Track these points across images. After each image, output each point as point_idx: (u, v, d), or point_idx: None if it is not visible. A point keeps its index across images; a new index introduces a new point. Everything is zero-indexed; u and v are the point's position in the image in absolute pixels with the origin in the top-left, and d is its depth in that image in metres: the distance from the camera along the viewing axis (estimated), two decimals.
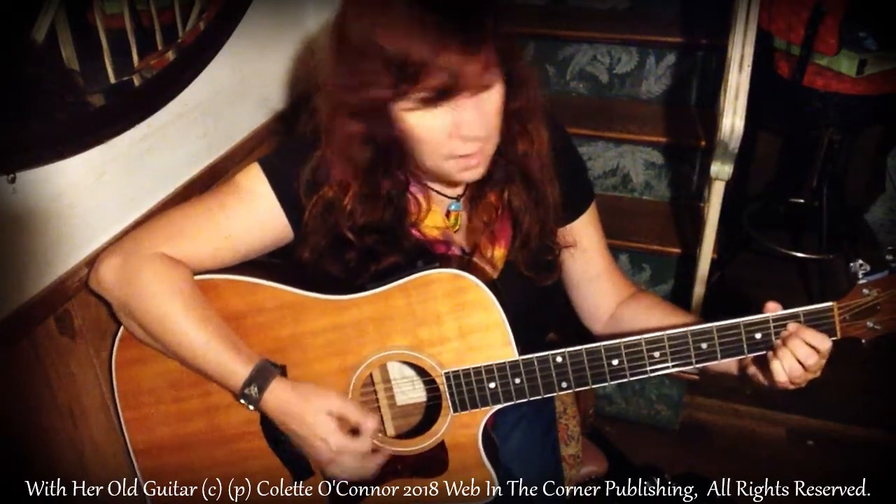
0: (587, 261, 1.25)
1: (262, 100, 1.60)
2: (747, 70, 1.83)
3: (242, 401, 1.08)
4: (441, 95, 0.93)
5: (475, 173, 1.04)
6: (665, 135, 2.31)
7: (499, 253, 1.16)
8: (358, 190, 1.07)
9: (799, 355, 1.01)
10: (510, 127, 1.07)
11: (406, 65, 0.90)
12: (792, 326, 1.02)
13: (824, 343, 1.01)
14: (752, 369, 1.10)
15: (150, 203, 1.28)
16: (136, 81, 1.19)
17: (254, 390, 1.07)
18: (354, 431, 1.08)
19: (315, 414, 1.07)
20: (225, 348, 1.08)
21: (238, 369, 1.07)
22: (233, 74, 1.46)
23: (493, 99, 0.98)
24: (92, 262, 1.13)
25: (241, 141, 1.52)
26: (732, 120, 1.82)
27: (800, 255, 2.74)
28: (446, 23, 0.89)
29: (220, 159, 1.45)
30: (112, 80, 1.15)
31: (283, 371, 1.12)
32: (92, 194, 1.16)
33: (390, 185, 1.09)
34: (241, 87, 1.50)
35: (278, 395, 1.07)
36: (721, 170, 1.88)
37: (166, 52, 1.25)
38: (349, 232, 1.09)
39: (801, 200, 2.83)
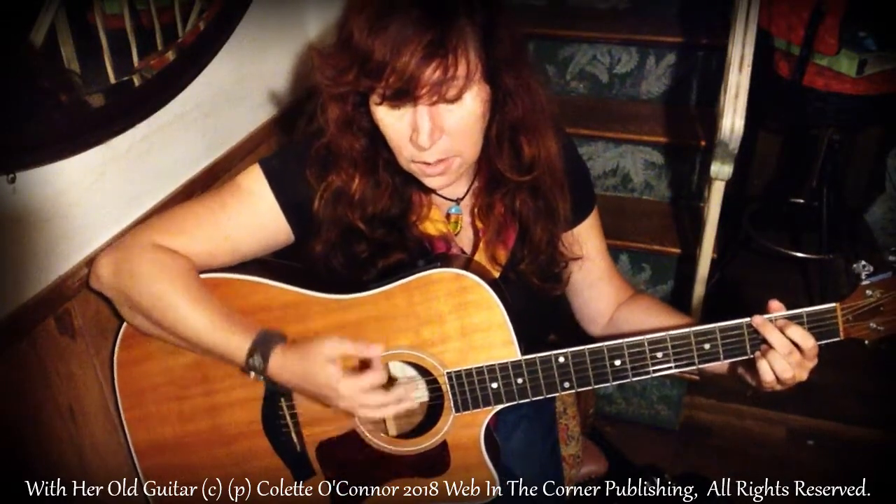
0: (588, 265, 1.25)
1: (262, 100, 1.60)
2: (747, 70, 1.83)
3: (251, 373, 1.07)
4: (398, 97, 0.94)
5: (439, 181, 1.04)
6: (665, 135, 2.31)
7: (501, 254, 1.16)
8: (362, 179, 1.08)
9: (781, 351, 1.01)
10: (514, 137, 1.07)
11: (368, 61, 0.93)
12: (779, 324, 1.02)
13: (807, 341, 1.01)
14: (741, 370, 1.10)
15: (150, 203, 1.28)
16: (136, 81, 1.19)
17: (258, 360, 1.06)
18: (364, 366, 1.06)
19: (315, 366, 1.03)
20: (225, 324, 1.07)
21: (240, 342, 1.07)
22: (233, 74, 1.46)
23: (462, 111, 0.97)
24: (92, 261, 1.13)
25: (241, 141, 1.52)
26: (732, 120, 1.82)
27: (800, 255, 2.74)
28: (410, 26, 0.91)
29: (220, 159, 1.45)
30: (112, 80, 1.15)
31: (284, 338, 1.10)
32: (92, 194, 1.15)
33: (390, 177, 1.09)
34: (241, 87, 1.50)
35: (281, 361, 1.06)
36: (721, 170, 1.88)
37: (166, 52, 1.25)
38: (360, 222, 1.09)
39: (801, 200, 2.83)
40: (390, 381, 1.19)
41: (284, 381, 1.07)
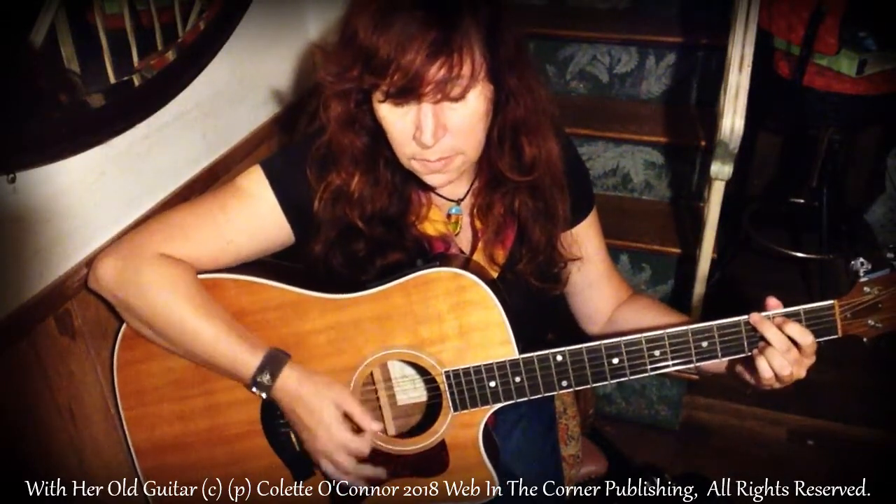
0: (587, 265, 1.26)
1: (263, 99, 1.60)
2: (747, 70, 1.83)
3: (254, 389, 1.08)
4: (402, 94, 0.95)
5: (439, 178, 1.05)
6: (665, 135, 2.32)
7: (499, 254, 1.16)
8: (362, 177, 1.08)
9: (779, 348, 1.00)
10: (515, 137, 1.07)
11: (373, 58, 0.93)
12: (777, 321, 1.02)
13: (805, 337, 1.00)
14: (740, 368, 1.10)
15: (150, 203, 1.28)
16: (136, 81, 1.19)
17: (266, 377, 1.07)
18: (356, 432, 1.09)
19: (323, 402, 1.07)
20: (234, 339, 1.08)
21: (248, 358, 1.07)
22: (233, 74, 1.46)
23: (465, 110, 0.98)
24: (92, 261, 1.13)
25: (241, 141, 1.52)
26: (732, 120, 1.82)
27: (800, 255, 2.74)
28: (414, 24, 0.91)
29: (220, 159, 1.45)
30: (112, 80, 1.15)
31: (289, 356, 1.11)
32: (92, 194, 1.16)
33: (390, 176, 1.10)
34: (240, 87, 1.50)
35: (290, 381, 1.07)
36: (721, 170, 1.88)
37: (166, 52, 1.25)
38: (359, 220, 1.10)
39: (801, 200, 2.83)
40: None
41: (284, 403, 1.09)
